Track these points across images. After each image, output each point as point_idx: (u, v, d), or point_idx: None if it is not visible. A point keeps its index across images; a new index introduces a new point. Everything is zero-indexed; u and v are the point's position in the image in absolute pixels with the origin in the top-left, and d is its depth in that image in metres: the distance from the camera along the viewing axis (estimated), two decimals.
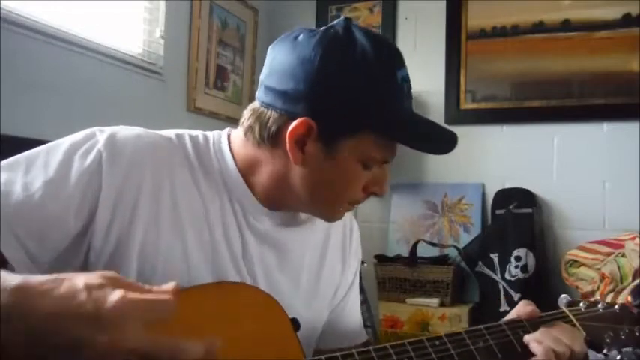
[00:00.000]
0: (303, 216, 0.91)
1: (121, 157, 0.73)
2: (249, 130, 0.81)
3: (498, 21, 2.59)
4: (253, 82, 2.77)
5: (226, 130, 0.87)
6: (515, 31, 2.57)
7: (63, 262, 0.69)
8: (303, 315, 0.76)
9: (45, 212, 0.67)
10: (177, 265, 0.75)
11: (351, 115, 0.76)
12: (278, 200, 0.83)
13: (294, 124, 0.76)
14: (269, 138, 0.79)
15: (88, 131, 0.76)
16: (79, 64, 1.83)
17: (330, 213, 0.86)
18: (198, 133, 0.85)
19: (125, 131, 0.77)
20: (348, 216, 1.00)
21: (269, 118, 0.78)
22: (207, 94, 2.48)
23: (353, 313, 1.01)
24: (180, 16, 2.32)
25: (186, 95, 2.38)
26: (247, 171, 0.82)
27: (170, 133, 0.82)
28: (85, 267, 0.71)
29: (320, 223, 0.92)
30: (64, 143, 0.74)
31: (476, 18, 2.64)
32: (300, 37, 0.78)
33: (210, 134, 0.86)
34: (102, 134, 0.75)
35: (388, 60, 0.78)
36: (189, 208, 0.77)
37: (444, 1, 2.69)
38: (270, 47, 0.82)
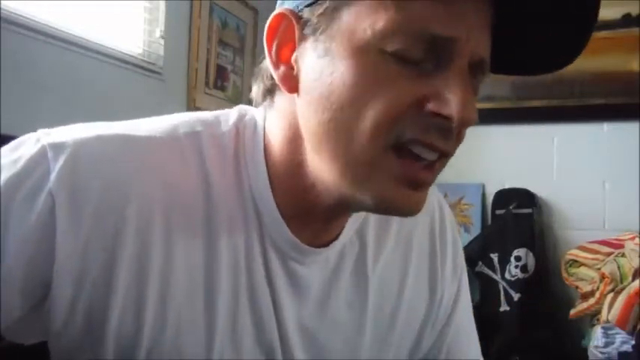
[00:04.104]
0: (370, 239, 0.62)
1: (86, 200, 0.47)
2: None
3: None
4: None
5: (262, 110, 0.58)
6: None
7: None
8: None
9: None
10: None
11: None
12: (301, 206, 0.54)
13: (266, 25, 0.51)
14: (266, 95, 0.55)
15: (33, 151, 0.49)
16: (79, 64, 1.83)
17: (366, 176, 0.48)
18: (225, 130, 0.56)
19: (95, 146, 0.50)
20: (435, 203, 0.69)
21: (266, 71, 0.55)
22: (207, 94, 2.48)
23: (458, 350, 0.71)
24: (180, 16, 2.32)
25: (186, 95, 2.38)
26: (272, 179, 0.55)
27: (179, 127, 0.57)
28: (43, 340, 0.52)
29: (395, 235, 0.63)
30: None
31: None
32: None
33: (248, 118, 0.57)
34: (56, 156, 0.48)
35: None
36: (191, 266, 0.52)
37: None
38: None
